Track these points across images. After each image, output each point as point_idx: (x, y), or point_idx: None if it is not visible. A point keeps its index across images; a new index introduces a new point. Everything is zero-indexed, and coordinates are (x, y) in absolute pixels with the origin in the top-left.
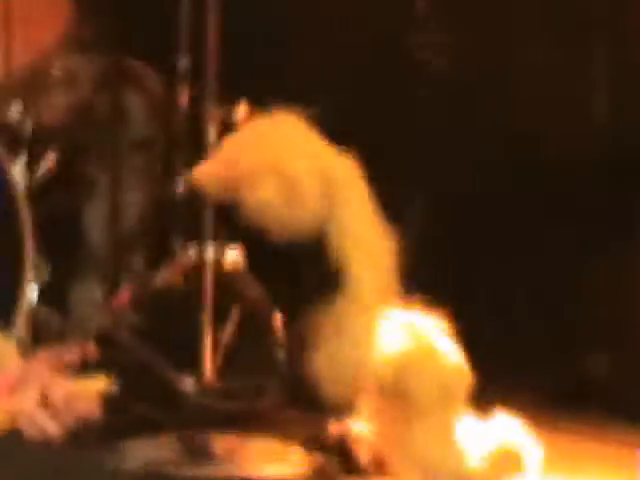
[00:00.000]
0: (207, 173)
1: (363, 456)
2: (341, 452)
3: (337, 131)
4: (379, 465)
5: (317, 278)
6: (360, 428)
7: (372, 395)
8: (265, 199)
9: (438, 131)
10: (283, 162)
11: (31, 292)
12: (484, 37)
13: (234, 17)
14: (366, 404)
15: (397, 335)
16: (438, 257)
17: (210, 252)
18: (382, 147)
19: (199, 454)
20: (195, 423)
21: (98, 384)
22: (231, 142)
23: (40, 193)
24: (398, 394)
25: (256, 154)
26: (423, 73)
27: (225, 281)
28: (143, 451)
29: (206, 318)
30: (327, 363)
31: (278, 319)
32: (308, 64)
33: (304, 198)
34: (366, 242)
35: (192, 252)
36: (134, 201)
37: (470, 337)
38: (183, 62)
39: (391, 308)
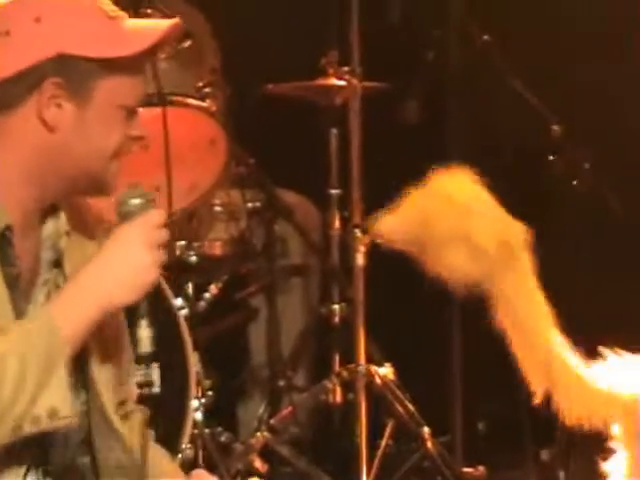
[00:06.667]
0: (392, 228)
1: None
2: None
3: None
4: None
5: None
6: None
7: None
8: (456, 266)
9: None
10: (473, 230)
11: (195, 410)
12: None
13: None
14: None
15: None
16: None
17: (363, 369)
18: None
19: None
20: None
21: None
22: (418, 198)
23: (205, 319)
24: None
25: (446, 219)
26: None
27: (377, 396)
28: None
29: (361, 430)
30: None
31: (426, 433)
32: None
33: (488, 265)
34: (526, 313)
35: (347, 369)
36: (294, 324)
37: None
38: (334, 192)
39: None
